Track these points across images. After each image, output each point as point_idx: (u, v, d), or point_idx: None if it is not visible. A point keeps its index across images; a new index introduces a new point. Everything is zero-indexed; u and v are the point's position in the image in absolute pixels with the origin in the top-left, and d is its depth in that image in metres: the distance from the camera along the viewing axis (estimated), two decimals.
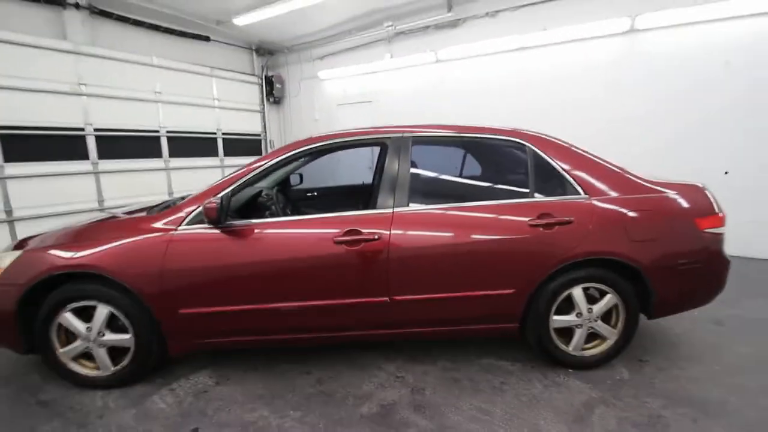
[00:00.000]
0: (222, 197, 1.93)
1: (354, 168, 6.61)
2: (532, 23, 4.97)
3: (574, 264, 2.02)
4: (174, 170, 6.14)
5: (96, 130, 5.18)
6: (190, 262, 1.94)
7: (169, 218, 2.01)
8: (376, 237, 1.94)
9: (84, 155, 5.12)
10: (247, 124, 7.31)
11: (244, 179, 2.07)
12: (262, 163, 2.10)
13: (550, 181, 2.10)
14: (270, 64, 7.62)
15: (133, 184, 5.63)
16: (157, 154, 5.92)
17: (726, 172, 4.16)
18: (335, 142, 2.19)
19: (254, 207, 2.47)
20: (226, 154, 6.88)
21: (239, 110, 7.11)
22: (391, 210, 2.02)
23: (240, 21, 5.77)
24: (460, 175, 2.32)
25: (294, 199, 3.26)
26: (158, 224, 2.00)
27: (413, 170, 2.12)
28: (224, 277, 1.95)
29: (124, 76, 5.42)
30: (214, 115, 6.69)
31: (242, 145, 7.17)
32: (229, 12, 5.67)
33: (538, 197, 2.07)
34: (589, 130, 4.51)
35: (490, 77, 5.42)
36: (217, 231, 1.95)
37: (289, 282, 1.97)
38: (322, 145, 2.17)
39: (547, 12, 4.86)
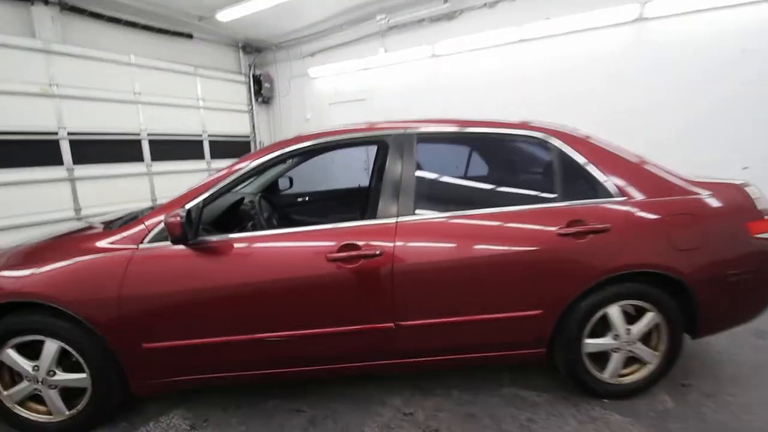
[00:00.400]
0: (191, 209, 1.61)
1: (348, 169, 6.31)
2: (532, 13, 4.69)
3: (610, 279, 1.73)
4: (157, 175, 5.77)
5: (70, 133, 4.80)
6: (153, 286, 1.61)
7: (128, 233, 1.68)
8: (378, 252, 1.63)
9: (58, 161, 4.75)
10: (234, 126, 6.95)
11: (221, 185, 1.75)
12: (242, 165, 1.78)
13: (580, 182, 1.80)
14: (258, 62, 7.28)
15: (113, 191, 5.26)
16: (138, 158, 5.54)
17: (745, 167, 3.91)
18: (327, 141, 1.87)
19: (235, 217, 2.15)
20: (213, 156, 6.51)
21: (226, 111, 6.75)
22: (394, 219, 1.70)
23: (223, 16, 5.43)
24: (474, 178, 2.00)
25: (283, 206, 2.94)
26: (114, 241, 1.66)
27: (419, 173, 1.81)
28: (196, 303, 1.63)
29: (100, 76, 5.04)
30: (199, 117, 6.32)
31: (230, 147, 6.80)
32: (212, 7, 5.31)
33: (567, 202, 1.76)
34: (593, 121, 4.23)
35: (489, 71, 5.13)
36: (186, 248, 1.63)
37: (273, 308, 1.66)
38: (311, 145, 1.85)
39: (548, 1, 4.58)
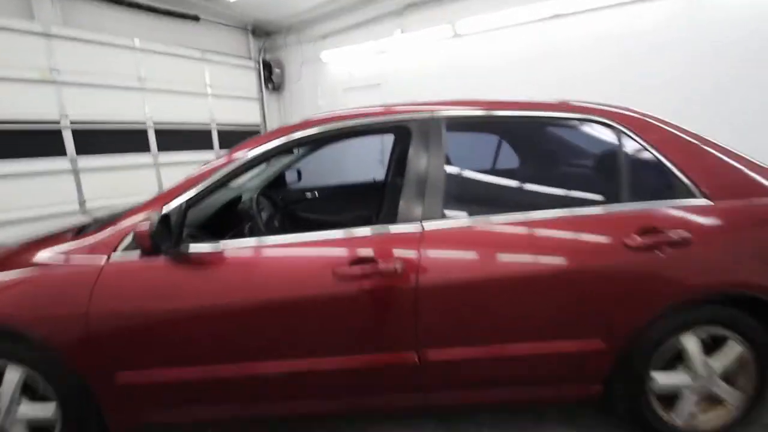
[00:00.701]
0: (171, 211, 1.32)
1: (361, 159, 5.97)
2: None
3: (688, 301, 1.38)
4: (164, 166, 5.55)
5: (73, 122, 4.59)
6: (127, 306, 1.34)
7: (99, 240, 1.39)
8: (398, 267, 1.31)
9: (61, 151, 4.56)
10: (244, 114, 6.68)
11: (210, 182, 1.43)
12: (237, 156, 1.48)
13: (651, 179, 1.44)
14: (268, 46, 6.95)
15: (119, 183, 5.06)
16: (145, 148, 5.32)
17: None
18: (338, 128, 1.52)
19: (231, 217, 1.86)
20: (222, 146, 6.26)
21: (235, 98, 6.46)
22: (418, 225, 1.38)
23: None
24: (518, 173, 1.65)
25: (288, 202, 2.64)
26: (82, 249, 1.39)
27: (449, 166, 1.47)
28: (178, 327, 1.35)
29: (103, 61, 4.80)
30: (207, 105, 6.06)
31: (239, 136, 6.48)
32: None
33: (636, 204, 1.41)
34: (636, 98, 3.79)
35: (517, 51, 4.68)
36: (166, 259, 1.34)
37: (270, 334, 1.37)
38: (320, 132, 1.51)
39: None
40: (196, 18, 5.89)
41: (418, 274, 1.32)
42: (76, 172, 4.67)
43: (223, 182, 1.46)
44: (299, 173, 2.92)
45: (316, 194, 2.90)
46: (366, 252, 1.34)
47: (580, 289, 1.36)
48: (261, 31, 6.77)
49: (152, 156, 5.39)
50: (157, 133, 5.40)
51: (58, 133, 4.51)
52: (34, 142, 4.32)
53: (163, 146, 5.47)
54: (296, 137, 1.50)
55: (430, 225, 1.37)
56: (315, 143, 1.57)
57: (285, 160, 2.51)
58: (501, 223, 1.40)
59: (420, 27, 5.26)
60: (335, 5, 5.70)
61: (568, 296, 1.36)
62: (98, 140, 4.82)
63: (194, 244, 1.35)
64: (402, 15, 5.43)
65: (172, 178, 5.42)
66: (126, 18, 5.19)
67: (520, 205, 1.46)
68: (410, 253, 1.34)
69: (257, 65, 6.79)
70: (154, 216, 1.22)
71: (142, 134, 5.27)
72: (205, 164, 1.51)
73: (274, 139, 1.50)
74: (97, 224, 1.63)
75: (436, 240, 1.36)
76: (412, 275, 1.32)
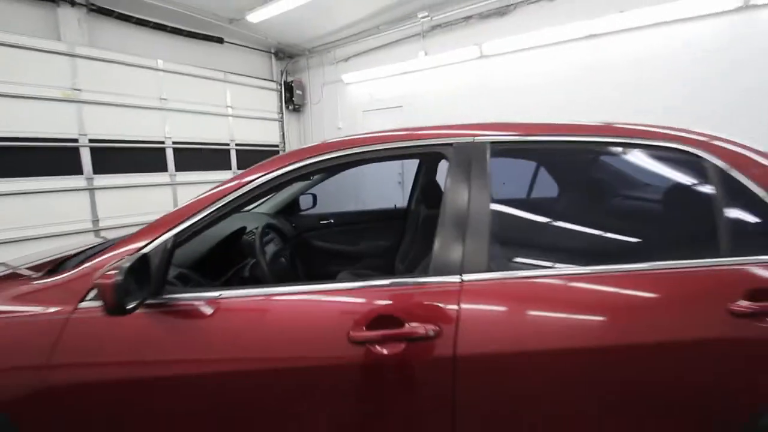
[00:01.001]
0: (152, 252, 1.08)
1: (378, 182, 5.76)
2: (600, 6, 3.99)
3: None
4: (181, 185, 5.47)
5: (91, 141, 4.56)
6: (96, 371, 1.08)
7: (63, 282, 1.15)
8: (431, 332, 1.02)
9: (77, 170, 4.50)
10: (263, 134, 6.61)
11: (203, 216, 1.20)
12: (235, 184, 1.23)
13: (755, 225, 1.13)
14: (290, 68, 6.94)
15: (134, 202, 4.98)
16: (162, 167, 5.25)
17: None
18: (359, 153, 1.26)
19: (233, 252, 1.61)
20: (240, 167, 6.16)
21: (255, 119, 6.41)
22: (456, 277, 1.09)
23: (254, 17, 5.09)
24: (581, 213, 1.34)
25: (301, 230, 2.40)
26: (44, 297, 1.14)
27: (495, 204, 1.18)
28: (156, 398, 1.09)
29: (126, 81, 4.81)
30: (227, 124, 6.01)
31: (258, 156, 6.38)
32: (242, 8, 4.99)
33: (739, 258, 1.09)
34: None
35: (548, 72, 4.44)
36: (145, 312, 1.09)
37: (266, 411, 1.09)
38: (337, 157, 1.25)
39: None
40: (220, 40, 5.92)
41: (457, 342, 1.02)
42: (91, 190, 4.60)
43: (220, 217, 1.22)
44: (314, 198, 2.69)
45: (332, 221, 2.66)
46: (388, 309, 1.06)
47: (665, 370, 1.03)
48: (283, 54, 6.77)
49: (169, 175, 5.31)
50: (176, 151, 5.35)
51: (75, 151, 4.47)
52: (51, 159, 4.28)
53: (181, 165, 5.40)
54: (311, 162, 1.25)
55: (473, 276, 1.08)
56: (335, 168, 1.30)
57: (294, 186, 2.29)
58: (562, 277, 1.10)
59: (444, 49, 5.10)
60: (357, 28, 5.64)
61: (649, 380, 1.04)
62: (116, 158, 4.77)
63: (176, 294, 1.10)
64: (426, 37, 5.31)
65: (188, 197, 5.36)
66: (151, 39, 5.23)
67: (587, 254, 1.15)
68: (446, 313, 1.05)
69: (279, 86, 6.76)
70: (126, 262, 0.96)
71: (160, 153, 5.21)
72: (204, 193, 1.28)
73: (286, 165, 1.24)
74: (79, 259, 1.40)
75: (480, 297, 1.07)
76: (449, 342, 1.02)
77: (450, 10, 4.85)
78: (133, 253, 1.06)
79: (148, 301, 1.06)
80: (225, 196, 1.21)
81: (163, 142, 5.22)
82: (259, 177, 1.23)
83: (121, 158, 4.82)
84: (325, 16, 5.25)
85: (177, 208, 1.23)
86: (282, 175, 1.23)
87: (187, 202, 1.24)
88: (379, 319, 1.04)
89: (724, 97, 3.53)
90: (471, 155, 1.19)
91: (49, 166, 4.26)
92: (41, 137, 4.17)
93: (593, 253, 1.15)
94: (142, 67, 4.95)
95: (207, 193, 1.23)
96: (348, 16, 5.30)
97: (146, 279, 1.05)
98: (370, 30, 5.63)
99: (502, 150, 1.22)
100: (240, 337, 1.08)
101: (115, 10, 4.78)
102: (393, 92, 5.82)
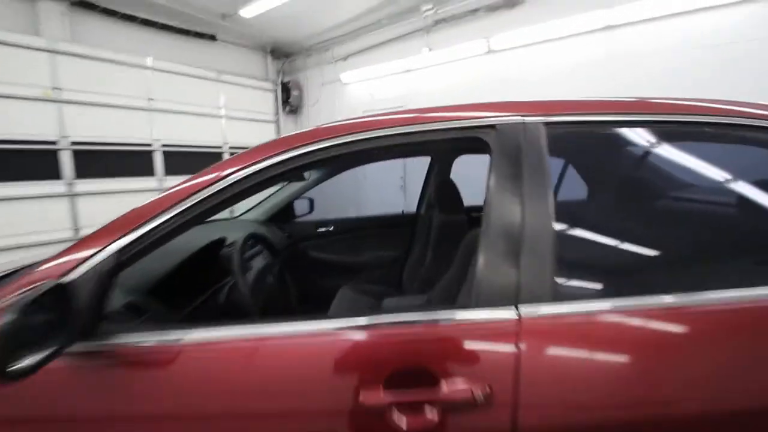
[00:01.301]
0: (79, 279, 0.76)
1: (378, 184, 5.44)
2: None
3: None
4: None
5: (73, 143, 4.25)
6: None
7: None
8: (479, 394, 0.70)
9: (56, 174, 4.18)
10: (258, 136, 6.29)
11: (163, 220, 0.89)
12: (201, 180, 0.92)
13: None
14: (286, 68, 6.65)
15: (119, 208, 4.62)
16: (149, 171, 4.94)
17: None
18: (367, 140, 0.92)
19: (208, 272, 1.29)
20: None
21: (250, 120, 6.11)
22: (512, 311, 0.76)
23: (247, 12, 4.81)
24: (678, 223, 0.98)
25: (296, 239, 2.08)
26: None
27: (561, 209, 0.83)
28: None
29: (111, 80, 4.51)
30: (220, 126, 5.71)
31: None
32: (235, 1, 4.71)
33: None
34: None
35: (562, 65, 4.15)
36: (73, 362, 0.77)
37: None
38: (338, 144, 0.92)
39: None
40: (212, 38, 5.64)
41: (518, 408, 0.70)
42: (72, 196, 4.28)
43: (182, 224, 0.90)
44: (311, 203, 2.36)
45: (331, 228, 2.34)
46: (414, 358, 0.74)
47: None
48: (279, 52, 6.49)
49: (157, 180, 4.99)
50: (165, 155, 5.04)
51: (54, 154, 4.15)
52: (28, 163, 3.97)
53: (170, 169, 5.08)
54: (301, 153, 0.93)
55: (533, 310, 0.76)
56: (329, 162, 0.96)
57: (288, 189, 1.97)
58: (663, 310, 0.76)
59: (449, 44, 4.82)
60: (359, 23, 5.35)
61: None
62: (99, 162, 4.46)
63: (117, 336, 0.78)
64: (429, 32, 5.03)
65: None
66: (139, 36, 4.94)
67: (705, 275, 0.82)
68: (498, 362, 0.72)
69: (275, 87, 6.47)
70: (27, 298, 0.64)
71: (147, 156, 4.90)
72: (163, 193, 0.97)
73: (271, 154, 0.93)
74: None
75: (546, 339, 0.75)
76: (505, 407, 0.70)
77: (456, 3, 4.57)
78: (42, 281, 0.73)
79: (72, 349, 0.74)
80: (189, 197, 0.89)
81: (150, 145, 4.91)
82: (238, 171, 0.91)
83: (106, 162, 4.51)
84: (322, 11, 4.97)
85: (125, 213, 0.92)
86: (262, 169, 0.91)
87: (141, 204, 0.92)
88: (403, 375, 0.72)
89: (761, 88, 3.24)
90: (520, 139, 0.87)
91: (25, 170, 3.94)
92: (17, 139, 3.86)
93: (714, 274, 0.82)
94: (129, 65, 4.66)
95: (167, 193, 0.92)
96: (347, 10, 5.02)
97: (68, 317, 0.73)
98: (370, 26, 5.35)
99: (567, 135, 0.90)
100: (203, 401, 0.75)
101: (99, 4, 4.49)
102: (395, 92, 5.53)
